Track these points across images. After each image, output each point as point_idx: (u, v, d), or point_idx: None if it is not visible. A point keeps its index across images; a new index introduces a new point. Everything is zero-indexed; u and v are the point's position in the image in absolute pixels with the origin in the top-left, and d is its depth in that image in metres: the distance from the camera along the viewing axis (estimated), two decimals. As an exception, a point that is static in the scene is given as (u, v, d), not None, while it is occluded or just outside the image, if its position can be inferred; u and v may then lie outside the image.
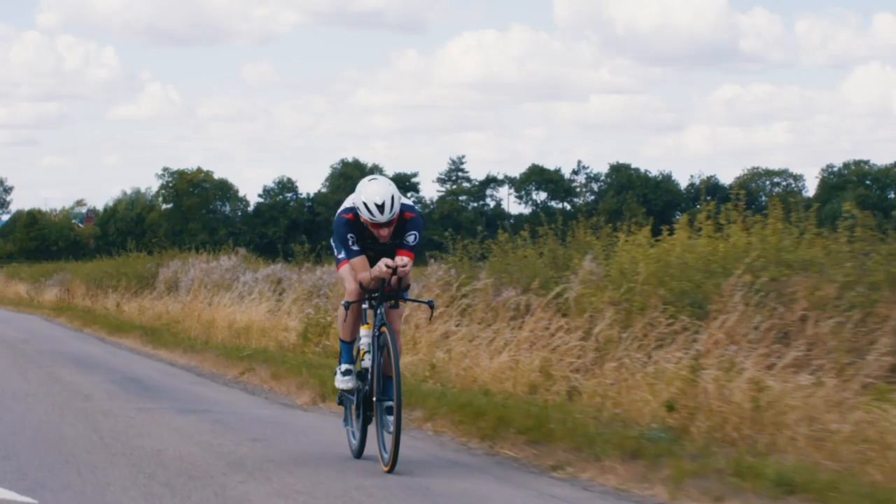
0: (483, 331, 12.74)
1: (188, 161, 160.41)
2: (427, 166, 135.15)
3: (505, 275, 13.74)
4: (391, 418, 7.27)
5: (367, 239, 7.56)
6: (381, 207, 7.33)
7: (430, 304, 7.85)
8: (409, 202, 7.75)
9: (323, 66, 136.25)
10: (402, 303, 7.63)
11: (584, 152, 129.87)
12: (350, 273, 7.64)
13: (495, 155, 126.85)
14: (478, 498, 6.40)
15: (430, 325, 13.64)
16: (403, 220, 7.57)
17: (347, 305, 7.58)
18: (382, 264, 7.42)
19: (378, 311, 7.56)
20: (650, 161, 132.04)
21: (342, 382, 7.85)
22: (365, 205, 7.36)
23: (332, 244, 7.99)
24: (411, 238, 7.59)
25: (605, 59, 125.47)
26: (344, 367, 7.87)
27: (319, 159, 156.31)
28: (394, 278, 7.45)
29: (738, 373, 8.33)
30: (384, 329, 7.49)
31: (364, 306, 7.68)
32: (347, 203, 7.68)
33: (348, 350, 7.90)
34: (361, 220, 7.46)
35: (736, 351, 8.89)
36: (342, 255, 7.78)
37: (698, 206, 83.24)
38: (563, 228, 14.08)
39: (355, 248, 7.52)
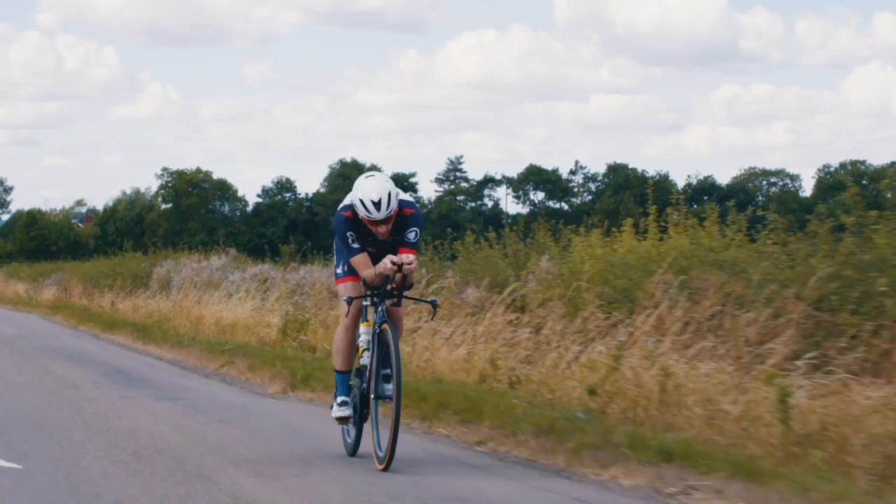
0: (445, 326, 13.79)
1: (188, 161, 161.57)
2: (427, 166, 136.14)
3: (470, 273, 14.82)
4: (389, 385, 7.35)
5: (368, 236, 7.56)
6: (377, 204, 7.34)
7: (433, 304, 7.80)
8: (409, 198, 7.73)
9: (323, 66, 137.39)
10: (403, 301, 7.61)
11: (584, 152, 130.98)
12: (350, 291, 7.65)
13: (495, 155, 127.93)
14: (407, 462, 7.43)
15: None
16: (403, 217, 7.57)
17: (350, 301, 7.54)
18: (388, 261, 7.41)
19: (379, 309, 7.54)
20: (650, 161, 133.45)
21: (339, 411, 7.81)
22: (361, 202, 7.37)
23: (334, 253, 8.02)
24: (412, 235, 7.59)
25: (605, 59, 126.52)
26: (340, 398, 7.84)
27: (319, 159, 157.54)
28: (398, 276, 7.45)
29: (654, 361, 9.38)
30: (385, 326, 7.47)
31: (366, 303, 7.65)
32: (346, 201, 7.69)
33: (344, 382, 7.87)
34: (360, 217, 7.47)
35: (656, 342, 9.94)
36: (340, 270, 7.83)
37: (695, 206, 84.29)
38: (557, 229, 14.98)
39: (356, 245, 7.51)
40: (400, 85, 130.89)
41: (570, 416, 8.72)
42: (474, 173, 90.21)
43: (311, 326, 16.48)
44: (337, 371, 7.93)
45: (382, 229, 7.45)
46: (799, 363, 8.62)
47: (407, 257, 7.44)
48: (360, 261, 7.52)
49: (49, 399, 11.08)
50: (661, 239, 12.80)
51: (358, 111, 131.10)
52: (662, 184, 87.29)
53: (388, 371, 7.42)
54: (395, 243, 7.57)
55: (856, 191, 10.41)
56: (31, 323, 26.75)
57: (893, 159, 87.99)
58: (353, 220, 7.51)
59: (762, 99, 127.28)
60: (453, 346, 13.09)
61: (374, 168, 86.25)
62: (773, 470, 6.55)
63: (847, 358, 8.33)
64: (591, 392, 9.39)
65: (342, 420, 7.80)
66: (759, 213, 11.45)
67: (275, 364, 13.52)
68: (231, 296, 21.84)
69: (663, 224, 13.02)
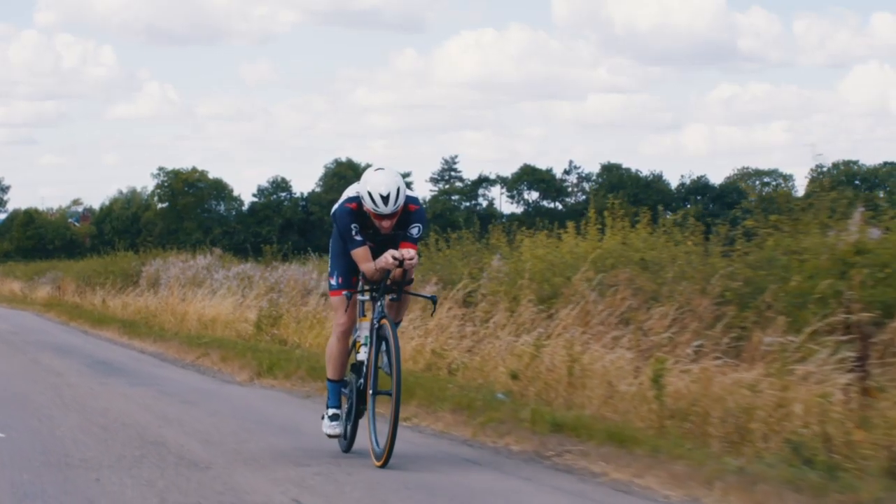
0: (411, 318, 15.10)
1: (187, 160, 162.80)
2: (425, 165, 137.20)
3: (430, 272, 16.14)
4: (387, 360, 7.40)
5: (370, 229, 7.55)
6: (385, 199, 7.34)
7: (433, 300, 7.81)
8: (414, 194, 7.74)
9: (321, 66, 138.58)
10: (404, 295, 7.66)
11: (582, 151, 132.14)
12: (343, 305, 7.68)
13: (493, 154, 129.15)
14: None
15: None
16: (407, 213, 7.56)
17: (350, 296, 7.56)
18: (389, 255, 7.39)
19: (378, 304, 7.55)
20: (648, 160, 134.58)
21: (329, 428, 7.86)
22: (370, 195, 7.36)
23: (329, 259, 7.94)
24: (415, 230, 7.59)
25: (604, 58, 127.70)
26: (331, 411, 7.87)
27: (318, 158, 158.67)
28: (398, 270, 7.47)
29: (568, 349, 10.66)
30: (384, 321, 7.47)
31: (365, 298, 7.67)
32: (350, 192, 7.70)
33: (336, 392, 7.90)
34: (364, 209, 7.47)
35: (576, 333, 11.23)
36: (334, 281, 7.80)
37: (688, 206, 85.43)
38: (551, 228, 16.02)
39: (358, 238, 7.50)
40: (398, 84, 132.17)
41: (489, 396, 10.00)
42: (472, 172, 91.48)
43: (284, 321, 17.77)
44: (329, 380, 7.92)
45: (387, 223, 7.46)
46: (689, 350, 9.89)
47: (408, 252, 7.44)
48: (361, 254, 7.50)
49: (34, 385, 12.37)
50: (600, 240, 14.12)
51: (356, 110, 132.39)
52: (656, 183, 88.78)
53: (386, 346, 7.44)
54: (396, 238, 7.59)
55: (754, 196, 11.65)
56: (25, 320, 28.06)
57: (886, 160, 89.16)
58: (356, 211, 7.51)
59: (760, 98, 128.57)
60: (407, 338, 14.37)
61: (368, 167, 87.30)
62: (637, 437, 7.83)
63: (724, 346, 9.61)
64: (514, 377, 10.69)
65: (332, 437, 7.87)
66: (687, 214, 12.72)
67: (245, 355, 14.81)
68: (214, 293, 23.17)
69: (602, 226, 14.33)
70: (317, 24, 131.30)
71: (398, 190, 7.38)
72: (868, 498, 5.82)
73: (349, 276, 7.73)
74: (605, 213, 14.33)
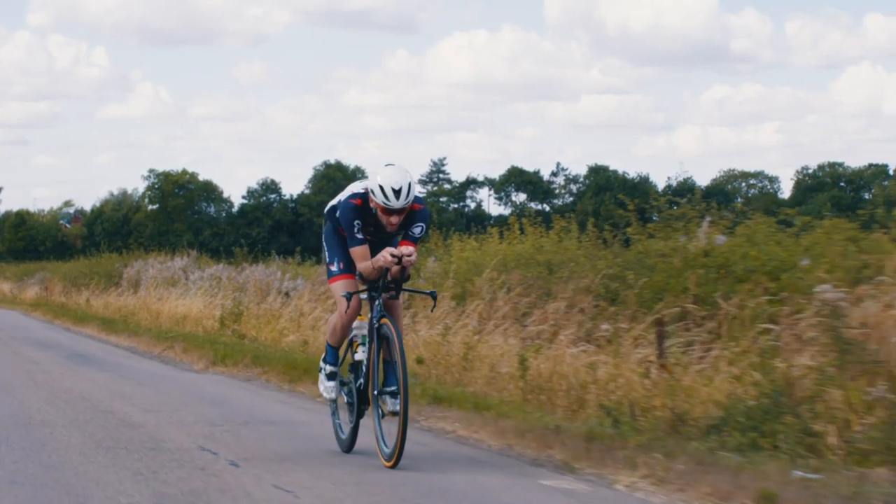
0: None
1: (180, 161, 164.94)
2: (419, 166, 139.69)
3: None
4: (395, 399, 7.40)
5: (371, 227, 7.61)
6: (397, 193, 7.39)
7: (433, 295, 7.87)
8: (420, 194, 7.78)
9: (314, 66, 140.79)
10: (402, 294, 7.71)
11: (575, 152, 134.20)
12: (343, 289, 7.71)
13: (486, 155, 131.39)
14: (253, 409, 10.69)
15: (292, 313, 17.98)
16: (412, 211, 7.60)
17: (349, 297, 7.61)
18: (387, 253, 7.44)
19: (377, 302, 7.61)
20: (642, 161, 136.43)
21: (326, 390, 8.10)
22: (381, 188, 7.39)
23: (324, 245, 7.98)
24: (417, 230, 7.64)
25: (596, 59, 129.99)
26: (329, 368, 8.11)
27: (311, 159, 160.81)
28: (396, 268, 7.50)
29: (466, 339, 12.66)
30: (385, 320, 7.53)
31: (363, 297, 7.73)
32: (356, 188, 7.74)
33: (334, 353, 8.13)
34: (371, 205, 7.50)
35: (475, 325, 13.23)
36: (335, 268, 7.83)
37: (675, 207, 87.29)
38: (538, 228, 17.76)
39: (360, 235, 7.54)
40: (391, 85, 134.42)
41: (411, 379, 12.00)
42: (466, 173, 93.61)
43: (245, 318, 19.76)
44: (328, 344, 8.13)
45: (395, 220, 7.50)
46: (562, 337, 11.89)
47: (407, 249, 7.49)
48: (360, 252, 7.54)
49: (13, 371, 14.36)
50: (520, 242, 16.13)
51: (350, 111, 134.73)
52: (643, 185, 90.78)
53: (395, 388, 7.44)
54: (396, 237, 7.70)
55: (633, 207, 13.65)
56: (11, 318, 30.05)
57: (872, 161, 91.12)
58: (361, 208, 7.57)
59: (753, 99, 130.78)
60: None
61: (358, 170, 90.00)
62: (491, 405, 9.82)
63: (592, 334, 11.62)
64: (419, 361, 12.68)
65: (330, 400, 8.16)
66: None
67: (204, 347, 16.80)
68: (189, 293, 25.19)
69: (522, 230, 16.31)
70: (310, 24, 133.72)
71: (409, 185, 7.45)
72: (635, 443, 7.81)
73: (350, 261, 7.76)
74: (524, 220, 16.38)
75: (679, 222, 12.75)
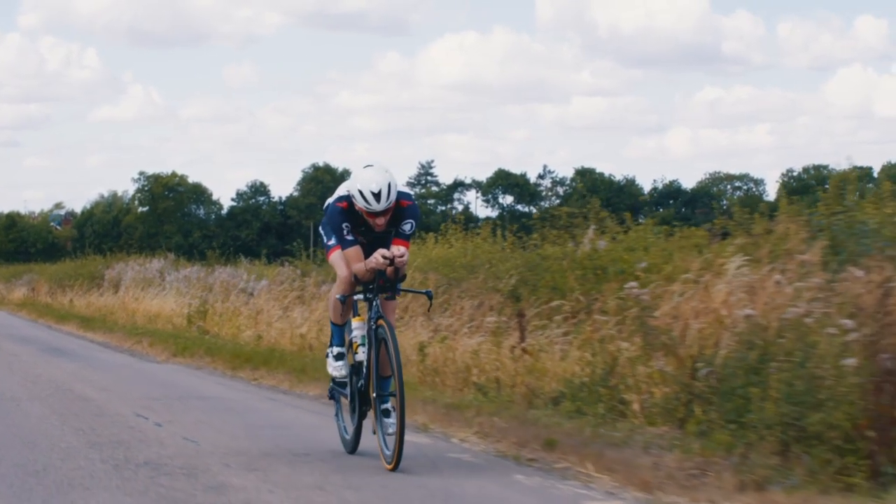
0: (296, 311, 19.17)
1: (170, 163, 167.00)
2: (409, 168, 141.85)
3: (329, 273, 20.22)
4: (390, 420, 7.52)
5: (361, 227, 7.65)
6: (377, 196, 7.42)
7: (429, 295, 7.93)
8: (406, 189, 7.79)
9: (305, 68, 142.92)
10: (398, 294, 7.80)
11: (566, 154, 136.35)
12: (342, 259, 7.73)
13: (477, 157, 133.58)
14: (192, 389, 12.72)
15: (263, 310, 20.05)
16: (400, 208, 7.61)
17: (344, 300, 7.74)
18: (379, 255, 7.48)
19: (374, 303, 7.68)
20: (632, 163, 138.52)
21: (335, 369, 8.10)
22: (360, 193, 7.45)
23: (321, 232, 8.06)
24: (407, 227, 7.66)
25: (588, 61, 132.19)
26: (336, 349, 8.13)
27: (301, 161, 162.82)
28: (390, 269, 7.55)
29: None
30: (382, 322, 7.59)
31: (358, 297, 7.80)
32: (341, 191, 7.79)
33: (339, 333, 8.12)
34: (356, 208, 7.56)
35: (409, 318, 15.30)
36: (332, 242, 7.85)
37: (660, 210, 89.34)
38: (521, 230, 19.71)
39: (350, 237, 7.61)
40: (382, 87, 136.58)
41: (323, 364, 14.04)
42: (457, 174, 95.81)
43: (209, 316, 21.81)
44: (332, 323, 8.18)
45: (381, 221, 7.54)
46: (465, 329, 13.94)
47: (398, 250, 7.54)
48: (353, 254, 7.63)
49: (-7, 361, 16.46)
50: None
51: (340, 113, 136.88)
52: (629, 188, 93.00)
53: (387, 406, 7.63)
54: (388, 235, 7.70)
55: (538, 215, 15.70)
56: (-2, 317, 32.18)
57: (857, 164, 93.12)
58: (348, 210, 7.62)
59: (744, 101, 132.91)
60: (299, 325, 18.44)
61: (346, 172, 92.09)
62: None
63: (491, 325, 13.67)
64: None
65: (340, 381, 8.18)
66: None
67: (168, 341, 18.85)
68: (163, 292, 27.28)
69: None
70: (301, 26, 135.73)
71: (389, 186, 7.45)
72: (487, 410, 9.85)
73: (342, 233, 7.73)
74: (453, 226, 18.46)
75: (575, 229, 14.79)
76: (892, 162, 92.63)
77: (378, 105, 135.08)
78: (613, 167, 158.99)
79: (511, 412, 9.46)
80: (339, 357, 8.15)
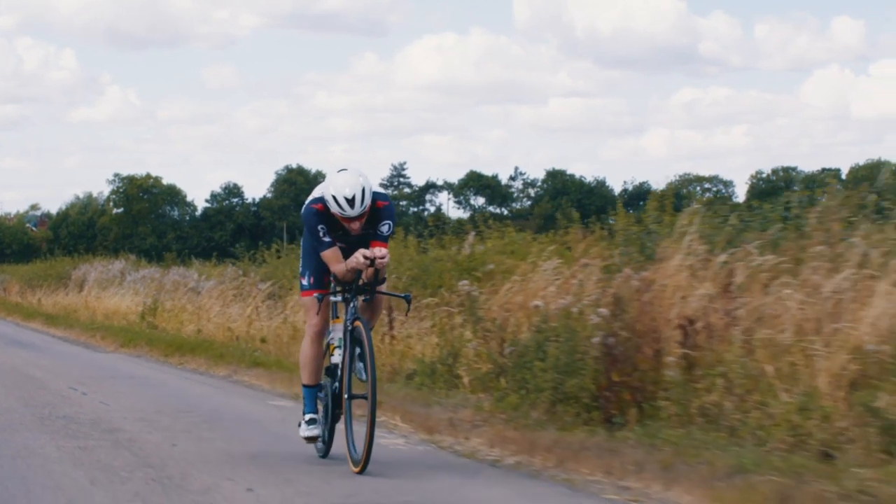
0: (235, 307, 21.82)
1: (147, 164, 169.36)
2: (384, 170, 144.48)
3: (270, 274, 22.91)
4: (360, 364, 7.58)
5: (339, 230, 7.66)
6: (351, 201, 7.45)
7: (407, 298, 7.97)
8: (381, 190, 7.79)
9: (283, 69, 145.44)
10: (377, 296, 7.81)
11: (543, 155, 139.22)
12: (315, 307, 7.77)
13: (455, 158, 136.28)
14: (124, 370, 15.35)
15: (218, 308, 22.70)
16: (376, 209, 7.64)
17: (321, 298, 7.72)
18: (360, 255, 7.51)
19: (351, 305, 7.70)
20: (610, 164, 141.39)
21: (307, 431, 8.00)
22: (334, 198, 7.48)
23: (301, 259, 8.08)
24: (385, 228, 7.68)
25: (565, 62, 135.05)
26: (308, 417, 8.03)
27: (280, 162, 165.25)
28: (370, 270, 7.58)
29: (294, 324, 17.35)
30: (358, 323, 7.61)
31: (337, 299, 7.80)
32: (316, 193, 7.79)
33: (312, 397, 8.04)
34: (332, 212, 7.59)
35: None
36: (305, 282, 7.91)
37: (631, 211, 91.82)
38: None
39: (327, 239, 7.61)
40: (360, 88, 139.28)
41: (247, 349, 16.71)
42: (429, 176, 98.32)
43: (159, 312, 24.44)
44: (304, 385, 8.10)
45: (356, 225, 7.58)
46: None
47: (379, 251, 7.57)
48: (331, 255, 7.64)
49: (-41, 351, 19.10)
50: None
51: (318, 114, 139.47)
52: (599, 189, 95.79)
53: (360, 350, 7.60)
54: (366, 236, 7.70)
55: (433, 221, 18.35)
56: (-31, 315, 34.78)
57: (825, 166, 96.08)
58: (324, 212, 7.63)
59: (721, 102, 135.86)
60: (235, 319, 21.09)
61: (319, 174, 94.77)
62: (293, 367, 14.51)
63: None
64: (263, 341, 17.42)
65: (310, 440, 8.04)
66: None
67: (118, 335, 21.50)
68: (121, 291, 29.92)
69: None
70: (278, 27, 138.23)
71: (363, 190, 7.47)
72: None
73: (321, 275, 7.86)
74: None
75: (460, 234, 17.44)
76: (860, 164, 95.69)
77: (355, 106, 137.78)
78: (590, 168, 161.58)
79: (398, 392, 12.07)
80: (311, 422, 8.07)
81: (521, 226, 18.25)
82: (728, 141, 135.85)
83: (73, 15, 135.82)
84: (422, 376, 12.63)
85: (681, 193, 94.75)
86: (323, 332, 7.95)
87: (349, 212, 7.49)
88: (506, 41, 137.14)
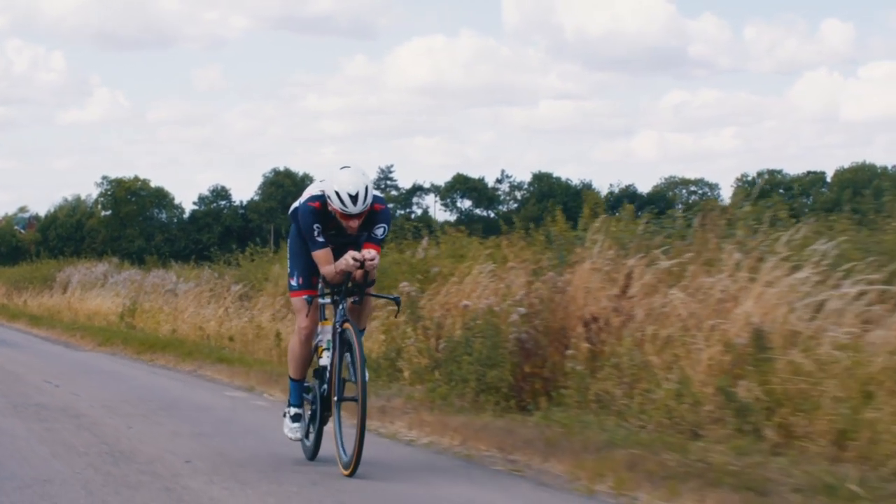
0: (208, 308, 23.09)
1: (137, 165, 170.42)
2: (370, 172, 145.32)
3: (243, 277, 24.18)
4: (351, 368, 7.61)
5: (332, 230, 7.70)
6: (354, 198, 7.48)
7: (397, 301, 8.07)
8: (379, 194, 7.88)
9: (273, 71, 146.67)
10: (367, 298, 7.83)
11: (532, 158, 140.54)
12: (305, 307, 7.84)
13: (445, 160, 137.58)
14: (96, 367, 16.59)
15: (192, 309, 23.96)
16: (373, 212, 7.69)
17: (310, 300, 7.78)
18: (349, 257, 7.55)
19: (340, 307, 7.72)
20: (599, 166, 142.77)
21: (291, 431, 8.16)
22: (337, 194, 7.49)
23: (288, 255, 8.15)
24: (380, 231, 7.74)
25: (554, 64, 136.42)
26: (293, 410, 8.17)
27: (269, 164, 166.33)
28: (359, 272, 7.60)
29: (260, 322, 18.60)
30: (347, 325, 7.63)
31: (326, 301, 7.84)
32: (314, 191, 7.81)
33: (297, 390, 8.15)
34: (330, 209, 7.58)
35: (267, 314, 19.21)
36: (294, 282, 7.95)
37: (615, 213, 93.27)
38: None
39: (320, 239, 7.63)
40: (350, 90, 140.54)
41: (215, 347, 17.96)
42: (418, 178, 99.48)
43: (138, 313, 25.68)
44: (291, 379, 8.21)
45: (355, 223, 7.60)
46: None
47: (369, 253, 7.62)
48: (323, 256, 7.67)
49: (-56, 349, 20.33)
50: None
51: (308, 116, 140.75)
52: (585, 192, 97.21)
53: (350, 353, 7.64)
54: (360, 238, 7.76)
55: (410, 226, 19.55)
56: (-44, 316, 36.00)
57: (809, 169, 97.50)
58: (320, 211, 7.66)
59: (710, 104, 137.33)
60: (207, 319, 22.34)
61: (306, 177, 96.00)
62: (255, 363, 15.74)
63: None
64: (230, 339, 18.66)
65: (295, 440, 8.24)
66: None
67: (97, 334, 22.75)
68: (103, 293, 31.17)
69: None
70: (268, 29, 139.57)
71: (366, 188, 7.54)
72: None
73: (309, 276, 7.90)
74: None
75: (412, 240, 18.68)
76: (844, 167, 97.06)
77: (345, 108, 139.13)
78: (581, 170, 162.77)
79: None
80: (295, 419, 8.20)
81: (472, 230, 19.44)
82: (718, 143, 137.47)
83: (63, 17, 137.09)
84: (368, 370, 13.87)
85: (666, 196, 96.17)
86: (312, 333, 7.99)
87: (352, 209, 7.53)
88: (495, 43, 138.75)
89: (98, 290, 31.98)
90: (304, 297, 7.84)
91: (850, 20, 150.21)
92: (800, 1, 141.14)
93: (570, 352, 10.65)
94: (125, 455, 8.39)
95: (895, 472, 7.39)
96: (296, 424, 8.18)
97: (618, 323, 10.68)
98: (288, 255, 8.17)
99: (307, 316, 7.87)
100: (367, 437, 8.16)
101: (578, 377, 10.37)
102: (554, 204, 21.84)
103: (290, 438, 8.26)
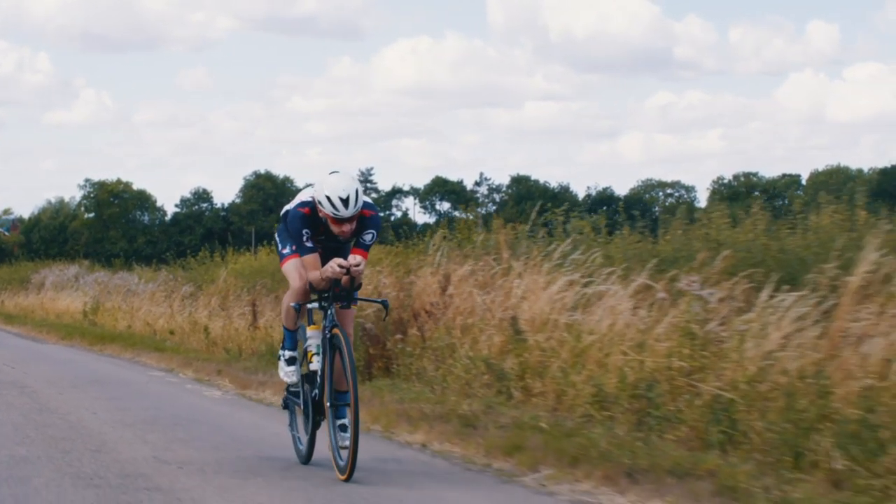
0: (180, 308, 26.63)
1: (123, 167, 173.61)
2: (356, 174, 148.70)
3: (188, 277, 27.75)
4: (345, 434, 7.74)
5: (320, 236, 7.89)
6: (345, 202, 7.66)
7: (385, 304, 8.20)
8: (368, 199, 8.03)
9: (258, 73, 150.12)
10: (353, 303, 7.97)
11: (518, 159, 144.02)
12: (297, 269, 7.99)
13: (431, 161, 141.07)
14: (53, 356, 20.09)
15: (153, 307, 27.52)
16: (363, 218, 7.89)
17: (298, 308, 8.00)
18: (335, 264, 7.73)
19: (328, 312, 7.91)
20: (584, 168, 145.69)
21: (287, 374, 8.40)
22: (329, 199, 7.66)
23: (277, 238, 8.30)
24: (368, 237, 7.93)
25: (540, 65, 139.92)
26: (288, 353, 8.41)
27: (254, 165, 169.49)
28: (345, 278, 7.78)
29: (201, 319, 22.14)
30: (336, 331, 7.83)
31: (313, 306, 8.00)
32: (304, 196, 8.01)
33: (292, 337, 8.40)
34: (320, 214, 7.78)
35: (214, 311, 22.76)
36: (286, 251, 8.12)
37: (594, 215, 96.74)
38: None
39: (309, 244, 7.82)
40: (335, 91, 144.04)
41: (156, 339, 21.49)
42: (403, 180, 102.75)
43: (101, 311, 29.21)
44: (285, 327, 8.49)
45: (346, 228, 7.77)
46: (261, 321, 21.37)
47: (355, 259, 7.79)
48: (310, 261, 7.85)
49: (-75, 342, 23.86)
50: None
51: (294, 117, 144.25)
52: (563, 194, 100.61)
53: (344, 421, 7.81)
54: (347, 243, 7.98)
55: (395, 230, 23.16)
56: (-62, 315, 39.52)
57: (785, 171, 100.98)
58: (309, 216, 7.84)
59: (696, 106, 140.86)
60: (158, 316, 25.89)
61: (287, 180, 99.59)
62: (186, 352, 19.25)
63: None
64: (171, 332, 22.20)
65: (294, 390, 8.49)
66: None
67: (61, 330, 26.30)
68: (73, 293, 34.73)
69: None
70: (254, 30, 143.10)
71: (357, 192, 7.71)
72: (238, 365, 17.25)
73: (302, 244, 7.91)
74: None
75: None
76: (819, 170, 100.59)
77: (331, 110, 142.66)
78: (565, 172, 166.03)
79: (241, 365, 16.70)
80: (290, 362, 8.45)
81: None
82: (704, 145, 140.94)
83: (48, 18, 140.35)
84: (268, 355, 17.42)
85: (643, 198, 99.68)
86: (305, 293, 8.08)
87: (343, 212, 7.72)
88: (481, 45, 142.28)
89: (69, 290, 35.53)
90: (293, 304, 8.08)
91: (835, 22, 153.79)
92: (785, 2, 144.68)
93: (398, 336, 14.18)
94: (49, 409, 11.91)
95: (581, 415, 10.88)
96: (291, 368, 8.48)
97: (437, 314, 14.21)
98: (278, 239, 8.40)
99: (300, 277, 8.07)
100: (244, 403, 11.33)
101: (406, 356, 13.90)
102: (532, 206, 24.64)
103: (287, 382, 8.60)
